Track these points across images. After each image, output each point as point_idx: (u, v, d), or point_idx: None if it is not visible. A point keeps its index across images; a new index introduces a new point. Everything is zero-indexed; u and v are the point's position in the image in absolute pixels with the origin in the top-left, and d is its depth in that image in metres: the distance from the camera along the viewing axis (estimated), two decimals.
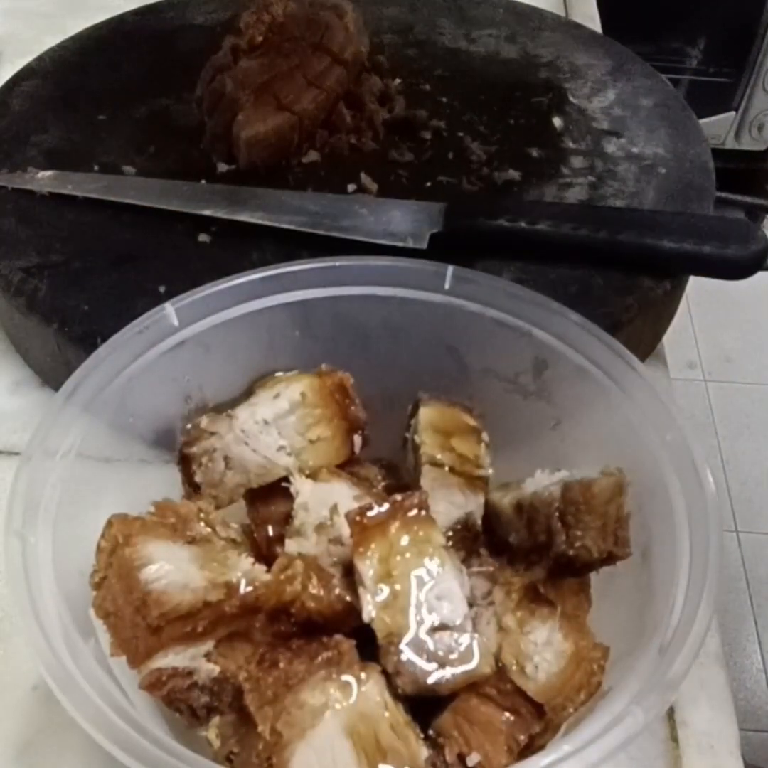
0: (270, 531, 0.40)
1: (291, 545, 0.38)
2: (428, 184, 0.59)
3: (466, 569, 0.38)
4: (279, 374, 0.43)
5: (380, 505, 0.36)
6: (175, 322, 0.41)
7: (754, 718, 1.27)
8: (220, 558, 0.35)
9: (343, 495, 0.39)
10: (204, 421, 0.41)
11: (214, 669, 0.34)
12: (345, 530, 0.36)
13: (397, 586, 0.34)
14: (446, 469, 0.41)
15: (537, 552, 0.38)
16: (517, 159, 0.61)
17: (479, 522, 0.40)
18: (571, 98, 0.67)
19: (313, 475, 0.40)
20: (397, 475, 0.44)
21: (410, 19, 0.75)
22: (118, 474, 0.40)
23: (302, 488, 0.39)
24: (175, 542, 0.35)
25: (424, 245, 0.53)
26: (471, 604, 0.36)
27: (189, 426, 0.41)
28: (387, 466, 0.44)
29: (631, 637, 0.35)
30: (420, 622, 0.34)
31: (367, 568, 0.35)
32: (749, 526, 1.46)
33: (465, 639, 0.34)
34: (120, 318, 0.41)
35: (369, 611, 0.34)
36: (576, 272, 0.53)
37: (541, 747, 0.35)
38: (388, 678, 0.33)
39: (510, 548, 0.39)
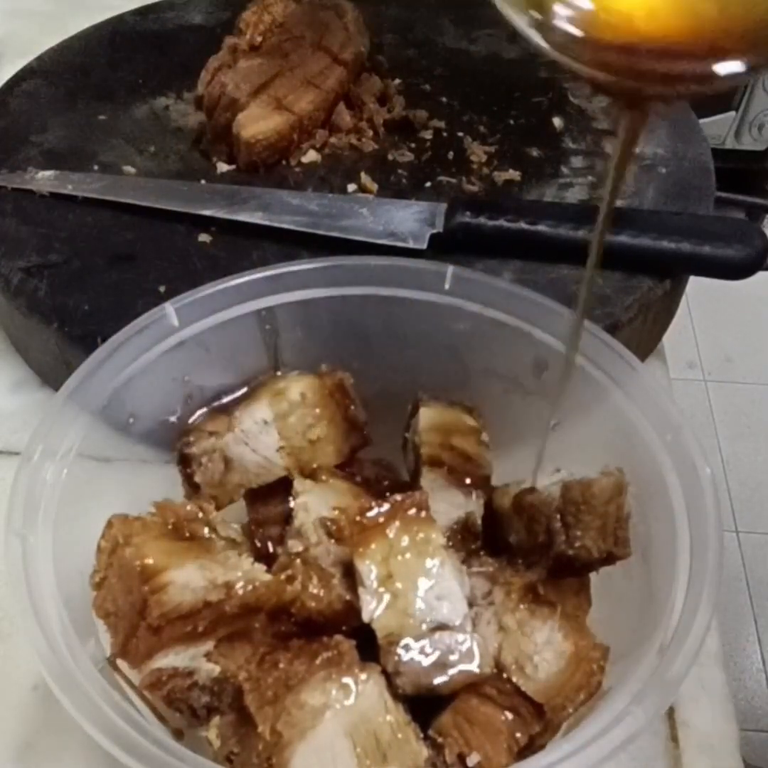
0: (270, 531, 0.40)
1: (291, 545, 0.38)
2: (428, 184, 0.59)
3: (466, 569, 0.38)
4: (279, 374, 0.43)
5: (380, 505, 0.36)
6: (175, 322, 0.41)
7: (754, 718, 1.27)
8: (220, 558, 0.35)
9: (343, 495, 0.40)
10: (204, 422, 0.41)
11: (214, 669, 0.34)
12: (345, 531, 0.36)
13: (397, 586, 0.34)
14: (446, 469, 0.41)
15: (537, 552, 0.38)
16: (517, 159, 0.61)
17: (479, 522, 0.40)
18: (571, 98, 0.67)
19: (313, 475, 0.40)
20: (397, 475, 0.44)
21: (410, 19, 0.75)
22: (118, 474, 0.40)
23: (302, 488, 0.39)
24: (175, 542, 0.35)
25: (424, 245, 0.53)
26: (471, 604, 0.36)
27: (189, 426, 0.41)
28: (387, 466, 0.44)
29: (631, 637, 0.35)
30: (420, 623, 0.34)
31: (367, 568, 0.35)
32: (749, 526, 1.46)
33: (465, 639, 0.34)
34: (120, 318, 0.41)
35: (369, 611, 0.34)
36: (576, 272, 0.53)
37: (541, 747, 0.35)
38: (388, 678, 0.33)
39: (510, 548, 0.39)
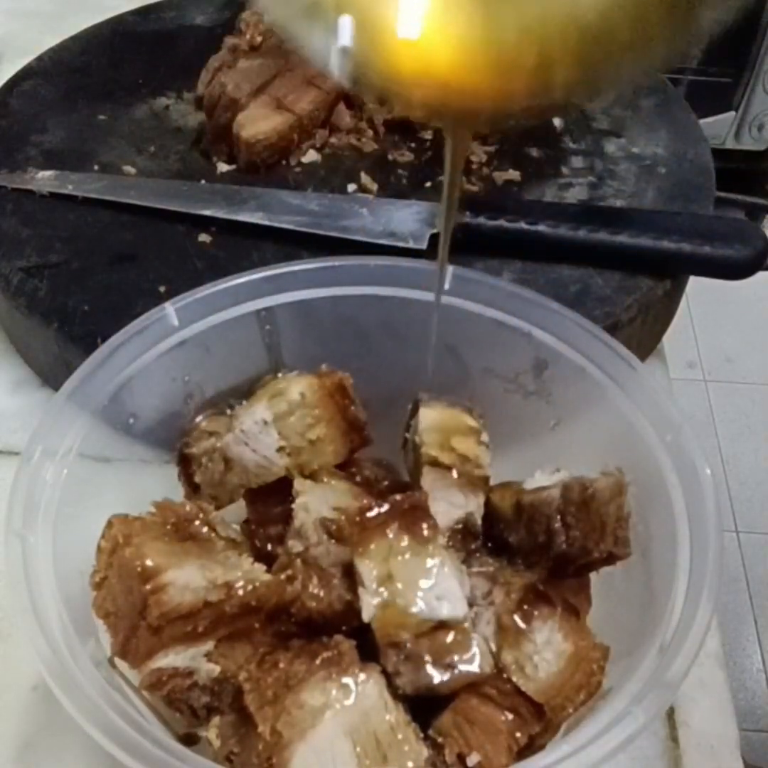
0: (270, 531, 0.40)
1: (291, 545, 0.38)
2: (428, 184, 0.59)
3: (466, 569, 0.38)
4: (279, 374, 0.43)
5: (380, 505, 0.36)
6: (175, 322, 0.41)
7: (754, 718, 1.27)
8: (220, 558, 0.35)
9: (343, 495, 0.39)
10: (204, 422, 0.41)
11: (214, 669, 0.34)
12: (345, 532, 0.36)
13: (398, 586, 0.34)
14: (446, 469, 0.41)
15: (537, 552, 0.38)
16: (517, 159, 0.61)
17: (479, 522, 0.40)
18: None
19: (313, 475, 0.40)
20: (397, 475, 0.44)
21: None
22: (118, 474, 0.40)
23: (302, 488, 0.39)
24: (175, 542, 0.35)
25: (424, 245, 0.53)
26: (471, 604, 0.36)
27: (189, 426, 0.41)
28: (387, 466, 0.44)
29: (631, 637, 0.35)
30: (420, 623, 0.34)
31: (367, 568, 0.35)
32: (749, 526, 1.46)
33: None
34: (120, 318, 0.41)
35: (369, 611, 0.34)
36: (576, 272, 0.53)
37: (541, 747, 0.35)
38: (388, 678, 0.33)
39: (510, 548, 0.39)
